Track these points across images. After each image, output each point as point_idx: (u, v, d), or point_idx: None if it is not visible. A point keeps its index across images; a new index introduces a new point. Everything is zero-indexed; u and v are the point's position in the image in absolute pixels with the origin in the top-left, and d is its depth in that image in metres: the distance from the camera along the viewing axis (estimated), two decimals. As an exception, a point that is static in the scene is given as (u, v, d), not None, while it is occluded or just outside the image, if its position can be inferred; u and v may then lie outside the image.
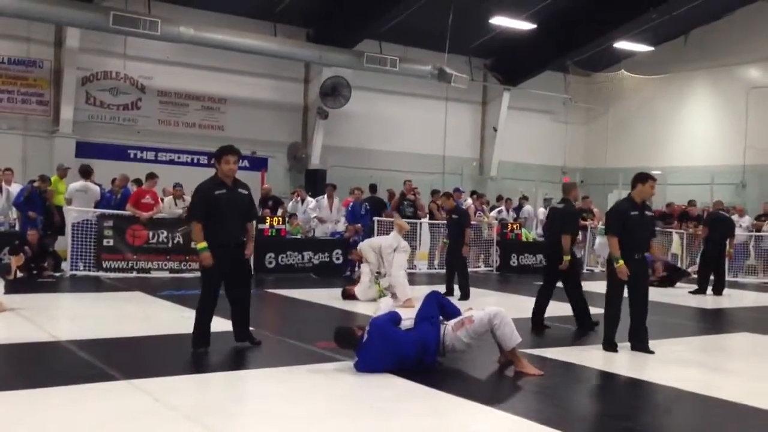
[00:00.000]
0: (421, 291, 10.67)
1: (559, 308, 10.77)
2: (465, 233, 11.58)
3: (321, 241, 14.94)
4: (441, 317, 6.26)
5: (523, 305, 11.18)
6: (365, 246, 10.98)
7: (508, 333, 6.05)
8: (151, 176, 13.41)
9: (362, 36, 19.91)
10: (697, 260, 17.41)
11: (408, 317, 6.29)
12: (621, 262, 7.15)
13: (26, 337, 7.04)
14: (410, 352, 5.92)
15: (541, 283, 8.99)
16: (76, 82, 17.98)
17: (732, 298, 12.77)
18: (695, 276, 16.13)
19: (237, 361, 6.58)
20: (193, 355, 6.56)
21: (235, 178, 6.69)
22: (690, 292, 13.08)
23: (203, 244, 6.49)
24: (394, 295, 9.86)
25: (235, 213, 6.64)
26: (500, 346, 6.19)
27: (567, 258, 8.37)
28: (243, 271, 6.85)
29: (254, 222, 7.42)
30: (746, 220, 17.08)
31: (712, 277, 13.29)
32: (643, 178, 7.47)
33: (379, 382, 5.69)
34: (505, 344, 6.10)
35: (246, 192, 6.79)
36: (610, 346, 7.26)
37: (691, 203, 18.38)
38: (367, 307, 9.88)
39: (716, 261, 13.38)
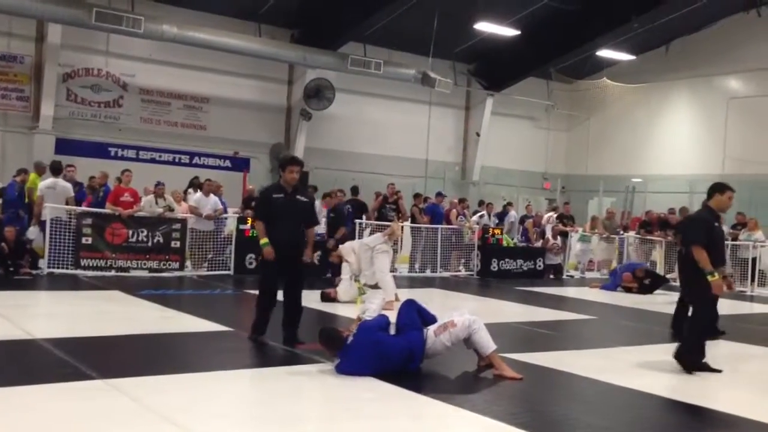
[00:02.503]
0: (402, 294, 10.73)
1: (538, 313, 10.85)
2: (337, 230, 13.34)
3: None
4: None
5: (502, 310, 11.28)
6: (347, 248, 11.06)
7: (486, 338, 6.16)
8: (123, 172, 13.33)
9: (347, 38, 19.92)
10: (675, 267, 17.68)
11: (394, 322, 6.28)
12: (716, 275, 6.51)
13: (2, 335, 6.95)
14: (397, 359, 5.94)
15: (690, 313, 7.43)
16: (57, 79, 17.81)
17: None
18: (675, 283, 16.31)
19: (217, 361, 6.53)
20: (170, 353, 6.50)
21: (296, 186, 7.26)
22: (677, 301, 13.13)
23: (265, 240, 7.05)
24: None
25: (289, 217, 7.15)
26: (477, 352, 6.23)
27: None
28: (295, 274, 7.25)
29: (314, 228, 8.01)
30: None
31: None
32: (721, 188, 6.90)
33: (359, 384, 5.69)
34: (483, 350, 6.18)
35: (305, 199, 7.37)
36: (704, 367, 6.74)
37: (671, 211, 18.55)
38: (346, 309, 9.89)
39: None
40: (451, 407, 5.25)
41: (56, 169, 13.00)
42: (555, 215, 18.43)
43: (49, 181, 12.80)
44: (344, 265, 10.89)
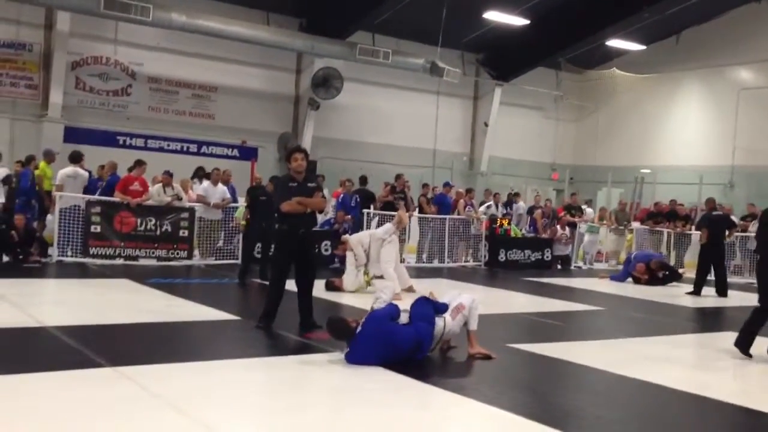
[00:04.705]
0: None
1: (546, 304, 10.83)
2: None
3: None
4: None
5: (510, 301, 11.27)
6: (354, 240, 11.00)
7: (477, 315, 6.49)
8: (140, 163, 13.31)
9: (355, 27, 19.85)
10: (684, 260, 17.60)
11: (404, 309, 6.32)
12: None
13: (11, 322, 6.98)
14: (404, 348, 5.97)
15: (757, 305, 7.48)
16: (66, 67, 17.83)
17: (719, 298, 12.85)
18: (689, 275, 16.22)
19: (225, 350, 6.55)
20: (178, 342, 6.51)
21: (305, 174, 7.41)
22: (687, 293, 13.06)
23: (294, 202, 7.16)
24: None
25: None
26: (467, 327, 6.44)
27: None
28: (307, 261, 7.42)
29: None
30: (731, 221, 17.12)
31: (710, 277, 13.22)
32: None
33: (367, 374, 5.69)
34: (472, 323, 6.43)
35: (313, 184, 7.51)
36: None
37: (672, 202, 18.55)
38: (351, 298, 9.92)
39: (716, 261, 13.27)
40: (459, 397, 5.25)
41: (76, 158, 13.02)
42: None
43: (69, 169, 12.84)
44: (348, 255, 10.85)
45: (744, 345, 7.25)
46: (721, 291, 12.98)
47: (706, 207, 15.02)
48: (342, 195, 15.22)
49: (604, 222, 18.24)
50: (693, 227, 17.75)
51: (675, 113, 24.10)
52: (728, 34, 22.16)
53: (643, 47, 23.46)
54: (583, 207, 18.78)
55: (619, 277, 14.89)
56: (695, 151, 23.02)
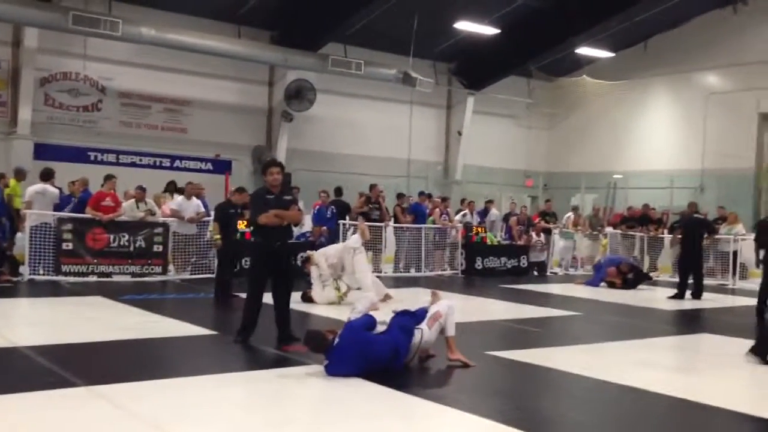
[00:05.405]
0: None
1: (524, 311, 10.88)
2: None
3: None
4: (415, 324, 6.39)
5: (488, 308, 11.30)
6: (318, 254, 10.94)
7: (453, 322, 6.50)
8: (109, 177, 13.17)
9: (327, 39, 19.86)
10: (657, 264, 17.82)
11: (381, 321, 6.32)
12: None
13: (-18, 344, 6.85)
14: (382, 356, 5.98)
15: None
16: (35, 83, 17.60)
17: (693, 301, 12.99)
18: (658, 278, 16.45)
19: (203, 365, 6.48)
20: (155, 359, 6.44)
21: (281, 187, 7.41)
22: (669, 297, 13.15)
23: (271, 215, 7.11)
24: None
25: None
26: (445, 333, 6.45)
27: None
28: (283, 273, 7.34)
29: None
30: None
31: (690, 281, 13.35)
32: None
33: (347, 385, 5.66)
34: (449, 330, 6.44)
35: (290, 197, 7.49)
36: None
37: (645, 206, 18.80)
38: (327, 309, 9.90)
39: (694, 264, 13.41)
40: (440, 406, 5.24)
41: (47, 176, 12.86)
42: (572, 215, 18.65)
43: (38, 186, 12.67)
44: (313, 269, 10.79)
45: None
46: (697, 294, 13.15)
47: (688, 210, 15.28)
48: (318, 207, 15.19)
49: (579, 228, 18.39)
50: (666, 231, 18.01)
51: (645, 119, 24.40)
52: (695, 40, 22.52)
53: (612, 54, 23.73)
54: (569, 215, 18.90)
55: (592, 282, 15.04)
56: (666, 156, 23.32)
